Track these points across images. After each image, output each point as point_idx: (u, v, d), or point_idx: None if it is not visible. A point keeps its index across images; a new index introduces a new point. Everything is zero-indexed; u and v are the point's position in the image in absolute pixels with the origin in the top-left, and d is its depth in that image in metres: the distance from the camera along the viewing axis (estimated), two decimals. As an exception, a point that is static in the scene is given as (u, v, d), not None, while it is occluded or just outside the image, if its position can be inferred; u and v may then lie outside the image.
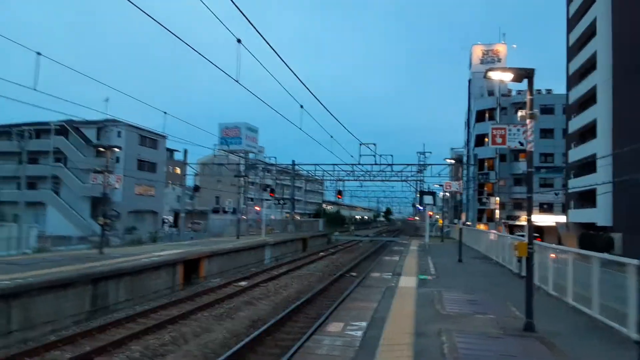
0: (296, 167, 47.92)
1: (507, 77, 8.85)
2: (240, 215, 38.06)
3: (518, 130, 9.13)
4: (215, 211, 63.23)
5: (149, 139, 52.42)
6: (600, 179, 35.44)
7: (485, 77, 8.87)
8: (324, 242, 46.05)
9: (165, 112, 22.06)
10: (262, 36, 11.07)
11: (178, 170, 64.20)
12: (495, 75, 8.74)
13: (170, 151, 64.02)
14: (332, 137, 28.44)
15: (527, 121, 8.53)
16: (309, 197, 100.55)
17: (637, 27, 35.76)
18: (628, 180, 26.60)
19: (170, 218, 61.23)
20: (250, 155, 53.06)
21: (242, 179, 39.36)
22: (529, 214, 8.53)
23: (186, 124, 22.96)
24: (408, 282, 14.01)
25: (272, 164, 51.39)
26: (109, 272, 14.10)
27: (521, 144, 8.68)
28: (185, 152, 40.06)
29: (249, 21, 9.88)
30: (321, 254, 34.04)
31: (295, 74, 12.51)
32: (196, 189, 47.26)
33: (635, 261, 7.25)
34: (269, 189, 46.42)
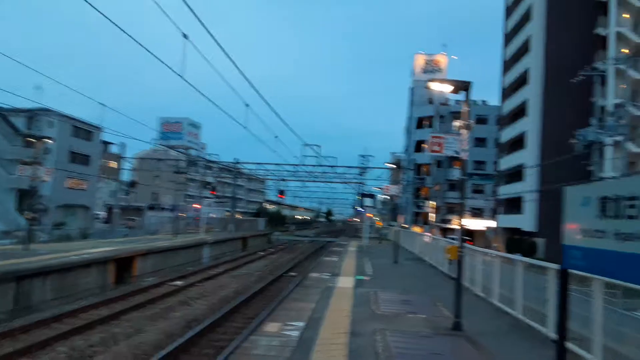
0: (239, 165, 47.37)
1: (447, 88, 9.28)
2: (179, 213, 37.07)
3: (454, 139, 9.55)
4: (152, 208, 61.12)
5: (83, 130, 49.79)
6: (527, 188, 37.76)
7: (426, 87, 9.24)
8: (265, 241, 45.82)
9: (102, 104, 21.13)
10: (207, 30, 10.91)
11: (114, 164, 61.51)
12: (436, 86, 9.13)
13: (106, 144, 61.24)
14: (276, 137, 28.46)
15: (463, 131, 8.97)
16: (250, 196, 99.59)
17: (566, 49, 38.46)
18: (551, 190, 28.53)
19: (104, 214, 58.57)
20: (192, 152, 51.81)
21: (181, 175, 38.37)
22: (461, 219, 8.97)
23: (126, 117, 22.12)
24: (346, 282, 14.27)
25: (214, 161, 50.49)
26: (34, 269, 13.32)
27: (457, 153, 9.10)
28: (123, 145, 38.58)
29: (196, 16, 9.71)
30: (261, 253, 33.85)
31: (240, 71, 12.43)
32: (132, 184, 45.54)
33: (555, 266, 7.81)
34: (209, 187, 45.52)
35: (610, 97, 34.92)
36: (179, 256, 24.20)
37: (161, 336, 11.21)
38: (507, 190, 45.38)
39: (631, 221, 3.60)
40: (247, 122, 20.87)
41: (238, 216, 61.57)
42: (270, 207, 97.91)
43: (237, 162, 46.13)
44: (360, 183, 47.75)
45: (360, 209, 51.90)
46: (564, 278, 4.46)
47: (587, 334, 6.64)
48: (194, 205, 45.89)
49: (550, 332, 7.64)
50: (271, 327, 8.47)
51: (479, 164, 61.20)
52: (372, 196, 31.52)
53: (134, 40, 11.16)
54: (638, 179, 3.70)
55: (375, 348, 6.97)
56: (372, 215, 56.69)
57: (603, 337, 6.43)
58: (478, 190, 59.64)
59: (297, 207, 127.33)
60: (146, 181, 57.29)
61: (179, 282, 18.71)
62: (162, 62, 11.97)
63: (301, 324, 8.60)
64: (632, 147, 33.60)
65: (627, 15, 37.86)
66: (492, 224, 52.46)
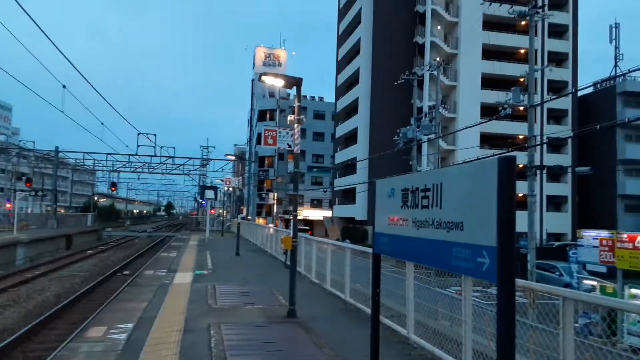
0: (61, 154, 42.37)
1: (279, 83, 9.54)
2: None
3: (287, 132, 9.90)
4: (-52, 204, 51.31)
5: None
6: (359, 179, 40.95)
7: (259, 80, 9.38)
8: (94, 238, 41.88)
9: None
10: (17, 2, 9.50)
11: None
12: (268, 80, 9.32)
13: None
14: (102, 123, 26.11)
15: (295, 125, 9.33)
16: (77, 188, 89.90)
17: (392, 53, 42.49)
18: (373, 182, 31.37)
19: None
20: (1, 137, 44.76)
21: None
22: (295, 210, 9.37)
23: None
24: (183, 278, 13.84)
25: (29, 149, 44.34)
26: None
27: (289, 146, 9.44)
28: None
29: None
30: (89, 252, 30.88)
31: (54, 44, 11.07)
32: None
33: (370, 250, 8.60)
34: (24, 178, 39.82)
35: (426, 99, 39.68)
36: (-16, 260, 20.80)
37: (-43, 355, 9.54)
38: (342, 182, 48.64)
39: (425, 210, 4.13)
40: (68, 107, 18.73)
41: (61, 211, 55.22)
42: (102, 200, 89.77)
43: (59, 151, 41.25)
44: (202, 175, 46.59)
45: (202, 201, 50.68)
46: (376, 261, 4.96)
47: (404, 311, 7.46)
48: (6, 201, 39.87)
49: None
50: (95, 331, 7.82)
51: (318, 157, 64.48)
52: (214, 188, 30.97)
53: None
54: (430, 173, 4.25)
55: (209, 343, 6.90)
56: (215, 210, 55.87)
57: (414, 313, 7.28)
58: (317, 182, 62.84)
59: (134, 200, 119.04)
60: (-61, 172, 47.92)
61: (-18, 290, 16.07)
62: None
63: (130, 325, 8.10)
64: (443, 144, 38.70)
65: (440, 27, 43.34)
66: (329, 213, 55.83)
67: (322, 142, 63.74)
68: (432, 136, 28.43)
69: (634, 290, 11.72)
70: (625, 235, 13.49)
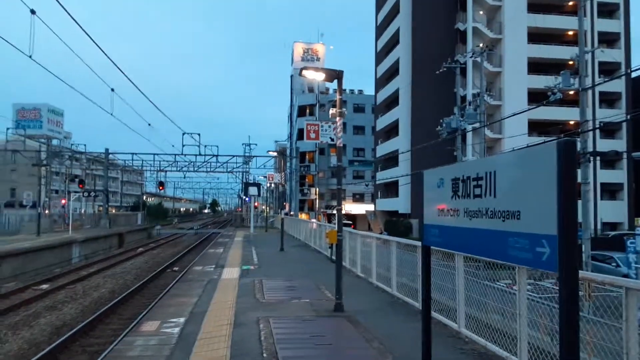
0: (110, 156, 44.07)
1: (320, 76, 9.48)
2: (42, 210, 33.51)
3: (329, 126, 9.85)
4: (10, 205, 54.48)
5: None
6: (401, 172, 40.45)
7: (300, 75, 9.36)
8: (144, 236, 43.40)
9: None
10: (61, 5, 9.87)
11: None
12: (308, 74, 9.27)
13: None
14: (149, 124, 26.92)
15: (337, 119, 9.26)
16: (126, 188, 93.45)
17: (432, 41, 41.58)
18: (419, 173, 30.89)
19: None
20: (54, 142, 47.01)
21: (43, 168, 34.65)
22: (339, 204, 9.31)
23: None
24: (231, 273, 14.08)
25: (80, 152, 46.39)
26: None
27: (332, 140, 9.39)
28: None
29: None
30: (140, 249, 32.02)
31: (100, 48, 11.45)
32: (-17, 180, 40.08)
33: (419, 243, 8.44)
34: (77, 180, 41.70)
35: (469, 87, 38.65)
36: (44, 257, 21.93)
37: (25, 346, 10.09)
38: (384, 176, 48.20)
39: (477, 200, 3.98)
40: (116, 109, 19.39)
41: (112, 211, 57.52)
42: (150, 199, 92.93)
43: (108, 153, 42.92)
44: (245, 172, 47.32)
45: (245, 198, 51.54)
46: (425, 254, 4.84)
47: (453, 305, 7.29)
48: (61, 201, 41.88)
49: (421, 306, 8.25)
50: (149, 326, 8.07)
51: (359, 150, 64.15)
52: (257, 185, 31.41)
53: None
54: (482, 161, 4.10)
55: (259, 336, 6.98)
56: (258, 205, 56.67)
57: (465, 306, 7.10)
58: (358, 176, 62.58)
59: (180, 198, 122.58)
60: (2, 176, 50.87)
61: (44, 286, 16.96)
62: (4, 39, 10.59)
63: (182, 320, 8.31)
64: (489, 133, 37.64)
65: (482, 12, 42.03)
66: (372, 207, 55.51)
67: (363, 135, 63.36)
68: (476, 125, 27.67)
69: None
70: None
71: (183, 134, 37.44)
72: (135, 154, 42.19)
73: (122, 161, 49.95)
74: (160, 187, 49.07)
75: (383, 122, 50.97)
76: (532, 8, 39.50)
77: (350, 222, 44.29)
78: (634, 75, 39.99)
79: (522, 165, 3.46)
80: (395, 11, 47.54)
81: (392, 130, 48.60)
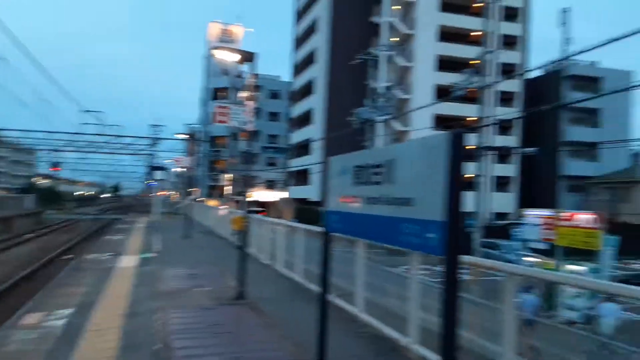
0: (-2, 132, 39.80)
1: (233, 57, 9.16)
2: None
3: (240, 110, 9.56)
4: None
5: None
6: (313, 160, 40.85)
7: (211, 54, 8.97)
8: (35, 221, 39.88)
9: None
10: None
11: None
12: (220, 55, 8.92)
13: None
14: (44, 99, 24.61)
15: (249, 102, 9.02)
16: (17, 169, 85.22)
17: (349, 32, 42.18)
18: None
19: None
20: None
21: None
22: (245, 190, 9.12)
23: None
24: (129, 261, 13.33)
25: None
26: None
27: (242, 124, 9.12)
28: None
29: None
30: (29, 235, 29.36)
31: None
32: None
33: (321, 229, 8.47)
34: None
35: (382, 80, 39.82)
36: None
37: None
38: (297, 163, 48.39)
39: (377, 187, 4.01)
40: (5, 80, 17.41)
41: (0, 192, 52.23)
42: (44, 182, 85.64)
43: (-4, 129, 38.74)
44: (151, 155, 45.00)
45: (152, 182, 49.20)
46: (326, 240, 4.84)
47: (355, 290, 7.42)
48: None
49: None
50: (32, 318, 7.35)
51: (273, 137, 63.80)
52: (162, 169, 30.02)
53: None
54: (383, 150, 4.16)
55: (154, 327, 6.62)
56: (166, 191, 54.43)
57: (365, 291, 7.27)
58: (273, 163, 62.29)
59: (78, 182, 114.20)
60: None
61: None
62: None
63: (70, 310, 7.67)
64: (398, 126, 39.17)
65: (398, 7, 43.30)
66: (286, 194, 55.57)
67: (278, 122, 63.06)
68: (387, 117, 28.62)
69: (569, 266, 12.29)
70: (565, 214, 14.08)
71: (83, 111, 34.73)
72: (26, 131, 38.40)
73: (12, 139, 45.42)
74: (53, 169, 45.22)
75: (298, 109, 51.05)
76: (445, 7, 41.40)
77: (263, 209, 44.01)
78: (531, 76, 43.68)
79: (417, 154, 3.53)
80: (314, -1, 47.57)
81: (307, 118, 48.84)
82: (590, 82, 43.25)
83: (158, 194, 35.82)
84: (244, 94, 10.56)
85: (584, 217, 13.93)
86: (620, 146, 37.43)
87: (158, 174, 29.30)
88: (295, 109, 52.31)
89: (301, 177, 49.04)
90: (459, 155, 2.92)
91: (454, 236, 2.90)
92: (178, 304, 8.09)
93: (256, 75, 8.70)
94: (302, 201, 47.77)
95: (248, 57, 8.90)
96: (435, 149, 3.10)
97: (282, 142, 62.04)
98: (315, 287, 8.99)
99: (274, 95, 63.23)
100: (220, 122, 9.82)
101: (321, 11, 45.60)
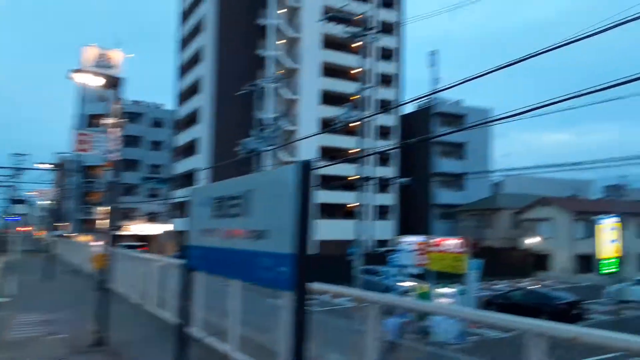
0: None
1: (95, 81, 8.54)
2: None
3: (105, 138, 8.87)
4: None
5: None
6: (199, 191, 39.49)
7: (70, 77, 8.25)
8: None
9: None
10: None
11: None
12: (81, 78, 8.25)
13: None
14: None
15: (114, 130, 8.41)
16: None
17: (235, 63, 42.21)
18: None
19: None
20: None
21: None
22: (112, 224, 8.38)
23: None
24: (-28, 309, 11.50)
25: None
26: None
27: (106, 153, 8.45)
28: None
29: None
30: None
31: None
32: None
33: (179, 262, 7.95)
34: None
35: (268, 111, 40.19)
36: None
37: None
38: (182, 194, 46.42)
39: (235, 219, 3.84)
40: None
41: None
42: None
43: None
44: (11, 187, 40.14)
45: (12, 217, 43.69)
46: (186, 278, 4.53)
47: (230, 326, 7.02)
48: None
49: (197, 331, 7.83)
50: None
51: (156, 167, 60.75)
52: (22, 202, 26.88)
53: None
54: (241, 180, 3.96)
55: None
56: (31, 227, 48.71)
57: (239, 327, 6.91)
58: (154, 195, 59.02)
59: None
60: None
61: None
62: None
63: None
64: (285, 156, 39.60)
65: (284, 41, 44.41)
66: (170, 227, 52.75)
67: (161, 151, 60.35)
68: (273, 147, 28.74)
69: (439, 290, 13.09)
70: (434, 240, 15.08)
71: None
72: None
73: None
74: None
75: (183, 138, 49.37)
76: (327, 44, 43.30)
77: (144, 243, 41.28)
78: (405, 112, 47.06)
79: (272, 184, 3.45)
80: (200, 27, 46.95)
81: (191, 148, 47.36)
82: (455, 119, 47.82)
83: (18, 229, 31.89)
84: (109, 121, 9.66)
85: (451, 243, 15.03)
86: (482, 177, 41.67)
87: (18, 208, 26.14)
88: (179, 138, 50.54)
89: (186, 209, 47.04)
90: (307, 185, 2.88)
91: (303, 268, 2.82)
92: (24, 354, 7.07)
93: (119, 100, 8.05)
94: (187, 234, 45.71)
95: (113, 81, 8.33)
96: (286, 179, 3.04)
97: (165, 172, 59.29)
98: (192, 328, 8.44)
99: (157, 123, 60.66)
100: (81, 150, 9.04)
101: (206, 40, 45.13)
